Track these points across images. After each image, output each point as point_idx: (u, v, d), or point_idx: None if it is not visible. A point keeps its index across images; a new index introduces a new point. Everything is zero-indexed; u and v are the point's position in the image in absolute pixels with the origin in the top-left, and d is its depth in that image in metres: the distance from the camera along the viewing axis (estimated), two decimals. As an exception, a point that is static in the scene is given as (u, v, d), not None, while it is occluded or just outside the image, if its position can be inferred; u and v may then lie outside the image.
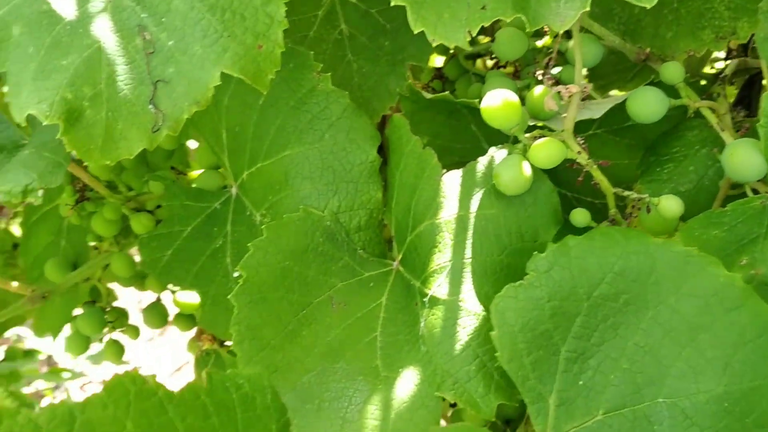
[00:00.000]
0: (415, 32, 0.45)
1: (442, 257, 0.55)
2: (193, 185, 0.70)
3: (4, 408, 0.35)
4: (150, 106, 0.49)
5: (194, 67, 0.49)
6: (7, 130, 0.60)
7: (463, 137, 0.67)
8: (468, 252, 0.55)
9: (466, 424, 0.50)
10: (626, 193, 0.55)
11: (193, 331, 0.93)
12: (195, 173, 0.88)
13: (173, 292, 0.93)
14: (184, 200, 0.68)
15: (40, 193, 0.51)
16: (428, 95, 0.63)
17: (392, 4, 0.45)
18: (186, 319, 0.93)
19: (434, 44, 0.45)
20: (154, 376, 0.39)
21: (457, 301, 0.54)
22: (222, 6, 0.49)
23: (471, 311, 0.54)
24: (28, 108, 0.47)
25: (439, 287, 0.55)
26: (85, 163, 0.55)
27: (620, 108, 0.63)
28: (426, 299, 0.56)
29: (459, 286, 0.55)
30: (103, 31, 0.49)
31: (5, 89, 0.67)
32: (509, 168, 0.52)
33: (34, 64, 0.48)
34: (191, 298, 0.93)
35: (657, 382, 0.48)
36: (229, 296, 0.56)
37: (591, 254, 0.48)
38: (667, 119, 0.58)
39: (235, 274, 0.65)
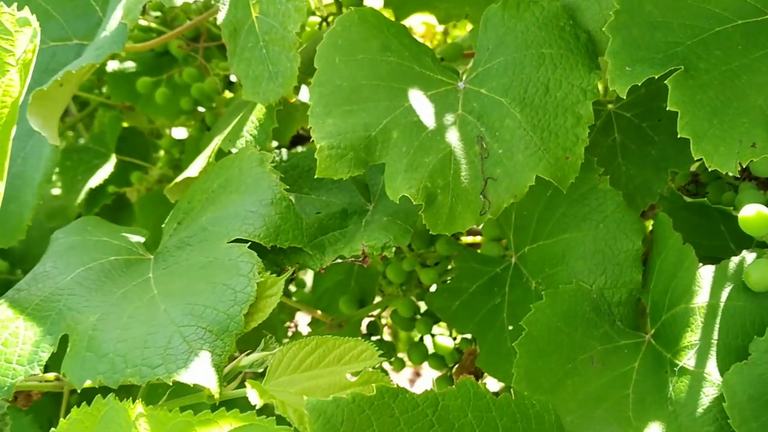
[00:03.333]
0: (695, 158, 0.59)
1: (693, 336, 0.67)
2: (479, 252, 0.88)
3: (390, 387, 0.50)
4: (480, 196, 0.66)
5: (516, 170, 0.66)
6: (355, 198, 0.81)
7: (712, 235, 0.79)
8: (715, 334, 0.66)
9: None
10: None
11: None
12: (466, 239, 1.06)
13: (433, 336, 1.12)
14: (472, 263, 0.85)
15: (393, 249, 0.70)
16: (687, 199, 0.76)
17: (679, 136, 0.59)
18: (439, 359, 1.10)
19: (710, 169, 0.58)
20: (484, 383, 0.54)
21: (703, 373, 0.65)
22: (542, 126, 0.66)
23: (714, 383, 0.65)
24: (402, 191, 0.66)
25: (689, 360, 0.67)
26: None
27: None
28: (676, 369, 0.68)
29: (706, 361, 0.66)
30: (453, 138, 0.67)
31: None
32: (759, 269, 0.63)
33: (406, 159, 0.67)
34: (447, 342, 1.10)
35: None
36: (513, 344, 0.71)
37: None
38: None
39: (509, 328, 0.81)
